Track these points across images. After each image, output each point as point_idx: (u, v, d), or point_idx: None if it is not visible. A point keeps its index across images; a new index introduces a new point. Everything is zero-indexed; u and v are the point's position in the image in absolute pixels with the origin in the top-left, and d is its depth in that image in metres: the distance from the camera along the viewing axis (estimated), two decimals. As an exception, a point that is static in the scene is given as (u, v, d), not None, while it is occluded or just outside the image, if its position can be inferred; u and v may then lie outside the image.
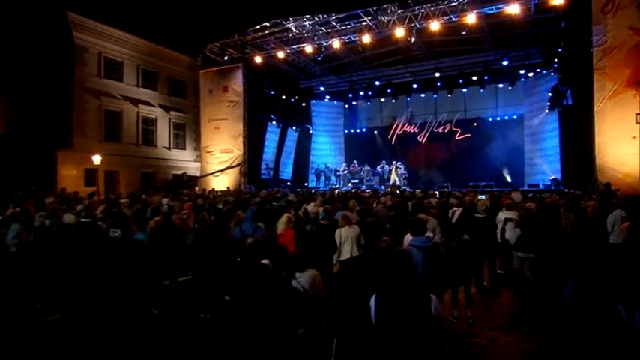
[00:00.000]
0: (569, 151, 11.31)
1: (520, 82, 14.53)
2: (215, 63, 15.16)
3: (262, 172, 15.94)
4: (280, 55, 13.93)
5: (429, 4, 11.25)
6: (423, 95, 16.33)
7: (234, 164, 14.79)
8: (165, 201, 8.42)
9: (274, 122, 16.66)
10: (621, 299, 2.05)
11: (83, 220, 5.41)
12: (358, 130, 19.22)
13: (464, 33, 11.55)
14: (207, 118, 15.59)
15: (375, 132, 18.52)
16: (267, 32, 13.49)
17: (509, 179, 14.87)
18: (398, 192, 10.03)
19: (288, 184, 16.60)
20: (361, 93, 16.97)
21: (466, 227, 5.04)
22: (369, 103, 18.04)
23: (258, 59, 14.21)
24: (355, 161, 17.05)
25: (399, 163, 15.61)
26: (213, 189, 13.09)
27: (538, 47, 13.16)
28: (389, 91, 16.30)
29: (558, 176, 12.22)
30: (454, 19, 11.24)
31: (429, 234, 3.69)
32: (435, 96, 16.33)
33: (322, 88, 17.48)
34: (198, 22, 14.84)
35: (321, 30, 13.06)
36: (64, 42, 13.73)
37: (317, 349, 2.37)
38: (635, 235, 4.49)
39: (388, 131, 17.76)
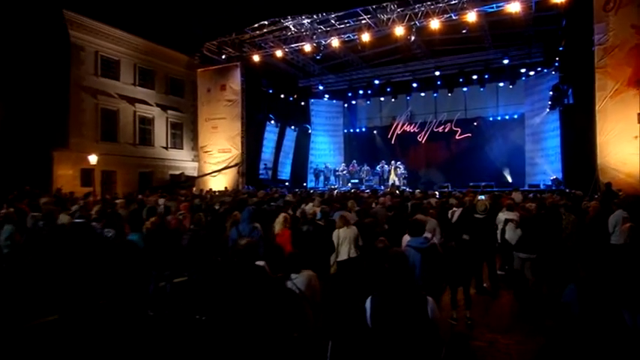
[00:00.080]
0: (570, 151, 11.23)
1: (521, 81, 14.46)
2: (213, 62, 15.05)
3: (260, 171, 15.84)
4: (279, 53, 13.81)
5: (428, 2, 11.15)
6: (422, 94, 16.23)
7: (232, 164, 14.68)
8: (161, 201, 8.32)
9: (273, 121, 16.55)
10: (624, 303, 2.02)
11: (76, 220, 5.28)
12: (357, 130, 19.13)
13: (464, 31, 11.47)
14: (205, 118, 15.47)
15: (375, 131, 18.44)
16: (265, 31, 13.38)
17: (509, 179, 14.80)
18: (397, 192, 9.94)
19: (287, 184, 16.51)
20: (360, 92, 16.86)
21: (466, 228, 5.08)
22: (368, 103, 17.93)
23: (256, 58, 14.09)
24: (354, 161, 16.96)
25: (398, 162, 15.51)
26: (210, 189, 12.98)
27: (539, 46, 13.07)
28: (388, 90, 16.20)
29: (559, 176, 12.16)
30: (454, 18, 11.14)
31: (427, 235, 3.64)
32: (435, 95, 16.23)
33: (321, 87, 17.37)
34: (196, 21, 14.75)
35: (320, 28, 12.94)
36: (60, 40, 13.59)
37: (312, 351, 2.32)
38: (636, 236, 4.40)
39: (388, 131, 17.67)
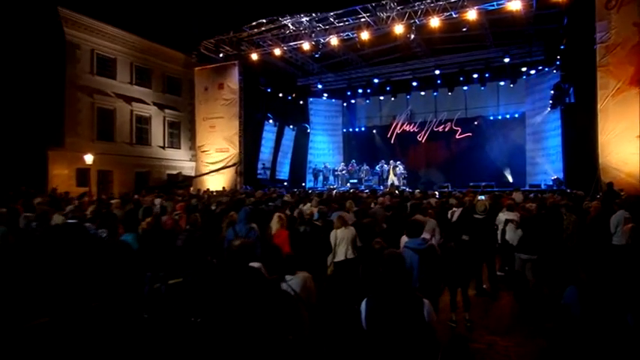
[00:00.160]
0: (571, 151, 11.14)
1: (522, 79, 14.34)
2: (210, 60, 14.90)
3: (259, 171, 15.71)
4: (277, 52, 13.67)
5: (428, 0, 11.05)
6: (422, 93, 16.09)
7: (230, 164, 14.54)
8: (157, 201, 8.23)
9: (271, 121, 16.42)
10: (627, 305, 2.00)
11: (69, 221, 5.25)
12: (357, 129, 19.01)
13: (464, 30, 11.32)
14: (203, 117, 15.32)
15: (374, 131, 18.32)
16: (263, 29, 13.24)
17: (510, 179, 14.70)
18: (397, 192, 9.83)
19: (285, 184, 16.38)
20: (360, 91, 16.72)
21: (465, 228, 5.05)
22: (367, 102, 17.79)
23: (254, 56, 13.94)
24: (354, 161, 16.85)
25: (397, 162, 15.39)
26: (208, 189, 12.85)
27: (540, 44, 12.95)
28: (388, 89, 16.05)
29: (561, 176, 12.07)
30: (454, 16, 11.03)
31: (426, 236, 3.62)
32: (435, 94, 16.09)
33: (320, 86, 17.22)
34: (193, 19, 14.58)
35: (319, 27, 12.81)
36: (55, 38, 13.44)
37: (307, 353, 2.32)
38: (638, 237, 4.35)
39: (387, 130, 17.56)
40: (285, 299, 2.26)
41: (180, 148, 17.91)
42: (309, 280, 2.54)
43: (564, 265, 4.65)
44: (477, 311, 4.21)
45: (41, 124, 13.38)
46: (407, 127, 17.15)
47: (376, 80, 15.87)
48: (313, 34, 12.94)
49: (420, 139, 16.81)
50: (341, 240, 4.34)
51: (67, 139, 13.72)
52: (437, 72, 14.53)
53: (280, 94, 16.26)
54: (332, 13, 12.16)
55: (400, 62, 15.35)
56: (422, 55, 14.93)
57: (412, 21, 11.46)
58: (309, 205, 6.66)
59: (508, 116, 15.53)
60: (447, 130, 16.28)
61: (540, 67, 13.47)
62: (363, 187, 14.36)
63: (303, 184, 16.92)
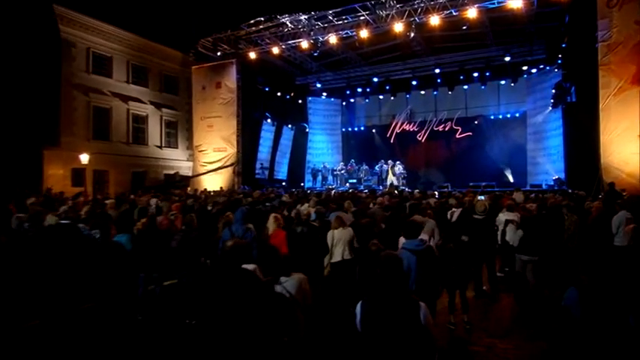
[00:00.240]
0: (573, 150, 11.08)
1: (523, 78, 14.22)
2: (208, 59, 14.73)
3: (257, 171, 15.57)
4: (275, 50, 13.51)
5: (428, -2, 10.89)
6: (422, 92, 15.96)
7: (228, 163, 14.39)
8: (153, 201, 8.12)
9: (269, 120, 16.27)
10: (629, 307, 1.98)
11: (62, 221, 5.15)
12: (356, 129, 18.88)
13: (465, 28, 11.19)
14: (200, 116, 15.16)
15: (374, 130, 18.19)
16: (261, 27, 13.08)
17: (511, 179, 14.60)
18: (396, 192, 9.71)
19: (284, 183, 16.27)
20: (359, 90, 16.59)
21: (465, 228, 5.02)
22: (367, 101, 17.66)
23: (252, 55, 13.78)
24: (353, 160, 16.73)
25: (397, 162, 15.27)
26: (205, 189, 12.71)
27: (541, 43, 12.84)
28: (387, 88, 15.94)
29: (562, 176, 11.99)
30: (454, 14, 10.90)
31: (424, 236, 3.61)
32: (435, 93, 15.97)
33: (319, 85, 17.08)
34: (191, 16, 14.42)
35: (318, 25, 12.66)
36: (50, 36, 13.27)
37: (303, 355, 2.29)
38: (640, 238, 4.30)
39: (387, 129, 17.43)
40: (279, 301, 2.20)
41: (177, 148, 17.77)
42: (304, 281, 2.52)
43: (565, 267, 4.61)
44: (477, 313, 4.18)
45: (36, 123, 13.22)
46: (406, 127, 17.02)
47: (375, 79, 15.74)
48: (312, 33, 12.79)
49: (419, 139, 16.68)
50: (338, 241, 4.30)
51: (63, 139, 13.57)
52: (437, 71, 14.40)
53: (278, 93, 16.13)
54: (331, 11, 12.03)
55: (400, 61, 15.22)
56: (422, 54, 14.79)
57: (412, 19, 11.32)
58: (306, 205, 6.58)
59: (509, 115, 15.41)
60: (447, 129, 16.16)
61: (541, 66, 13.36)
62: (362, 187, 14.25)
63: (302, 184, 16.79)
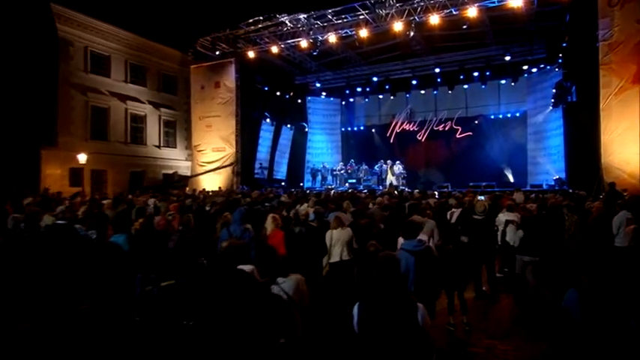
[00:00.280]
0: (573, 150, 11.04)
1: (523, 78, 14.15)
2: (207, 58, 14.65)
3: (256, 171, 15.51)
4: (274, 49, 13.44)
5: (428, -3, 10.82)
6: (422, 92, 15.89)
7: (227, 163, 14.32)
8: (151, 201, 8.05)
9: (268, 120, 16.21)
10: (630, 309, 1.97)
11: (58, 222, 5.07)
12: (355, 128, 18.81)
13: (465, 27, 11.13)
14: (199, 116, 15.09)
15: (373, 130, 18.12)
16: (260, 26, 13.01)
17: (511, 179, 14.55)
18: (396, 192, 9.65)
19: (283, 184, 16.21)
20: (359, 89, 16.51)
21: (464, 229, 5.01)
22: (366, 100, 17.58)
23: (251, 54, 13.70)
24: (352, 160, 16.66)
25: (396, 161, 15.20)
26: (204, 189, 12.64)
27: (542, 42, 12.77)
28: (387, 87, 15.86)
29: (562, 176, 11.94)
30: (454, 13, 10.83)
31: (423, 237, 3.59)
32: (435, 93, 15.89)
33: (318, 85, 16.98)
34: (189, 15, 14.33)
35: (317, 24, 12.59)
36: (48, 35, 13.18)
37: (301, 356, 2.30)
38: (641, 239, 4.29)
39: (386, 129, 17.36)
40: (276, 302, 2.20)
41: (176, 148, 17.69)
42: (301, 282, 2.52)
43: (565, 267, 4.59)
44: (476, 314, 4.16)
45: (34, 122, 13.14)
46: (406, 126, 16.95)
47: (375, 78, 15.66)
48: (311, 32, 12.71)
49: (419, 139, 16.61)
50: (336, 241, 4.28)
51: (60, 138, 13.49)
52: (437, 70, 14.33)
53: (278, 93, 16.05)
54: (330, 10, 11.96)
55: (400, 60, 15.14)
56: (422, 53, 14.72)
57: (412, 18, 11.25)
58: (305, 205, 6.53)
59: (509, 115, 15.35)
60: (447, 129, 16.09)
61: (542, 65, 13.29)
62: (361, 187, 14.19)
63: (301, 184, 16.73)
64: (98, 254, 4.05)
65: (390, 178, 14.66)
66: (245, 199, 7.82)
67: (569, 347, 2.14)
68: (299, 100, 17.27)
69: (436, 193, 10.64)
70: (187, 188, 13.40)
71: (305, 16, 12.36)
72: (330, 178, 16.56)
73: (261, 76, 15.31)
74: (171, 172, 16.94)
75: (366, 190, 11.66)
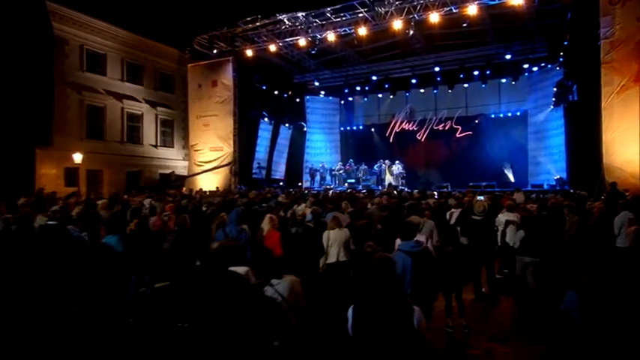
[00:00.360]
0: (575, 150, 10.95)
1: (524, 76, 14.05)
2: (204, 56, 14.53)
3: (254, 171, 15.39)
4: (272, 48, 13.32)
5: (428, -5, 10.70)
6: (422, 91, 15.78)
7: (224, 163, 14.19)
8: (147, 202, 7.94)
9: (266, 119, 16.09)
10: (631, 310, 1.94)
11: (50, 222, 4.98)
12: (354, 128, 18.69)
13: (465, 25, 11.03)
14: (196, 115, 14.96)
15: (372, 129, 18.01)
16: (258, 24, 12.88)
17: (512, 179, 14.46)
18: (395, 192, 9.54)
19: (281, 183, 16.10)
20: (358, 88, 16.39)
21: (463, 230, 4.96)
22: (365, 99, 17.44)
23: (249, 52, 13.58)
24: (351, 160, 16.54)
25: (396, 161, 15.10)
26: (201, 189, 12.52)
27: (543, 40, 12.68)
28: (387, 86, 15.74)
29: (563, 176, 11.86)
30: (454, 11, 10.71)
31: (420, 238, 3.56)
32: (434, 91, 15.78)
33: (317, 84, 16.86)
34: (186, 13, 14.19)
35: (315, 22, 12.46)
36: (43, 33, 13.02)
37: (295, 358, 2.29)
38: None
39: (386, 128, 17.25)
40: (269, 305, 2.19)
41: (173, 147, 17.54)
42: (296, 284, 2.50)
43: (566, 268, 4.54)
44: (475, 316, 4.13)
45: (29, 121, 12.99)
46: (406, 126, 16.84)
47: (374, 77, 15.55)
48: (310, 30, 12.59)
49: (419, 138, 16.51)
50: (333, 242, 4.24)
51: (56, 138, 13.34)
52: (437, 69, 14.22)
53: (276, 92, 15.93)
54: (329, 8, 11.84)
55: (399, 59, 15.05)
56: (421, 52, 14.61)
57: (411, 16, 11.14)
58: (303, 205, 6.47)
59: (510, 114, 15.25)
60: (447, 128, 15.99)
61: (543, 64, 13.19)
62: (360, 187, 14.08)
63: (300, 184, 16.62)
64: (90, 255, 4.01)
65: (389, 178, 14.55)
66: (242, 200, 7.74)
67: (569, 349, 2.11)
68: (297, 99, 17.15)
69: (435, 193, 10.54)
70: (184, 188, 13.28)
71: (303, 14, 12.24)
72: (328, 177, 16.45)
73: (259, 74, 15.18)
74: (168, 171, 16.81)
75: (364, 190, 11.55)
